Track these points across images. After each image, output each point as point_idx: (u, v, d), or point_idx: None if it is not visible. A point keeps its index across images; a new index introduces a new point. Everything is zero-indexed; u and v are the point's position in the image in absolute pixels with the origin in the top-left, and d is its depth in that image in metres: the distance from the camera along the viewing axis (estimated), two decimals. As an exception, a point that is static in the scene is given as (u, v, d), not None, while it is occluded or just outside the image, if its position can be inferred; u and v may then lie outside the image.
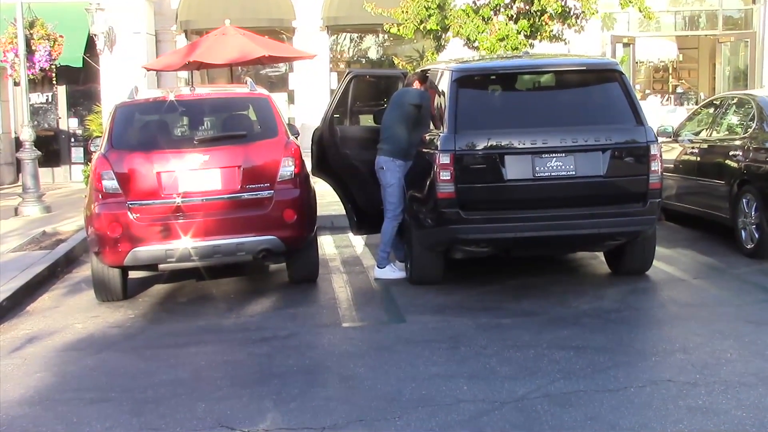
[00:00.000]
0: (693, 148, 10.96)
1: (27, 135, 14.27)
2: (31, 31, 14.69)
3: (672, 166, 11.19)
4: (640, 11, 15.05)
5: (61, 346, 7.19)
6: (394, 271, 8.98)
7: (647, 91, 23.36)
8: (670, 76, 24.76)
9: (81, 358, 6.87)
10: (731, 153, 9.90)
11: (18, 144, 16.07)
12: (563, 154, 7.90)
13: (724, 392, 5.47)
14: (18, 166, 16.67)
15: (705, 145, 10.73)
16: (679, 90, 23.64)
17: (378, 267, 9.08)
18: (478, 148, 7.94)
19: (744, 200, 9.50)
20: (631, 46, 21.17)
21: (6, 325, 7.89)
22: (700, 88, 23.56)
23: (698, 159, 10.76)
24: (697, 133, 11.17)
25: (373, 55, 22.29)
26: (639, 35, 21.67)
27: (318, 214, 9.09)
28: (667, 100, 22.61)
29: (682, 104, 21.68)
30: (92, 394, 5.96)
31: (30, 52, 14.56)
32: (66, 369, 6.61)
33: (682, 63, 24.61)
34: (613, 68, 8.44)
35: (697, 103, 18.39)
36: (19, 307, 8.49)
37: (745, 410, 5.17)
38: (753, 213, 9.34)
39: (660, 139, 10.81)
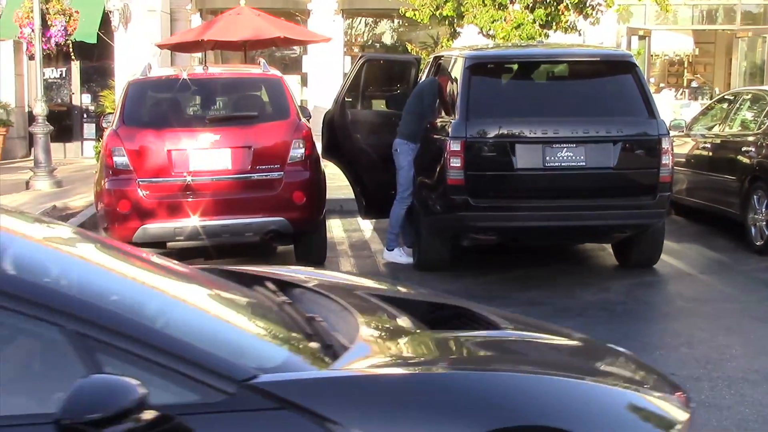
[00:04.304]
0: (705, 142, 10.93)
1: (40, 109, 14.29)
2: (47, 6, 14.71)
3: (683, 160, 11.15)
4: (657, 3, 14.97)
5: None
6: (402, 255, 9.00)
7: (661, 85, 23.26)
8: (686, 70, 24.65)
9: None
10: (743, 149, 9.86)
11: (31, 118, 16.11)
12: (574, 145, 7.89)
13: (727, 388, 5.47)
14: (30, 140, 16.72)
15: (717, 140, 10.70)
16: (693, 84, 23.52)
17: (387, 249, 9.10)
18: (488, 136, 7.93)
19: (755, 197, 9.47)
20: (647, 38, 21.07)
21: (13, 298, 7.92)
22: (715, 83, 23.45)
23: (710, 154, 10.73)
24: (710, 128, 11.13)
25: (387, 40, 22.24)
26: (655, 28, 21.57)
27: (328, 197, 9.09)
28: (682, 94, 22.51)
29: (696, 99, 21.57)
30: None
31: (45, 26, 14.58)
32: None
33: (697, 57, 24.49)
34: (627, 60, 8.41)
35: (711, 98, 18.32)
36: (27, 281, 8.51)
37: (748, 406, 5.17)
38: (763, 210, 9.30)
39: (673, 133, 10.81)
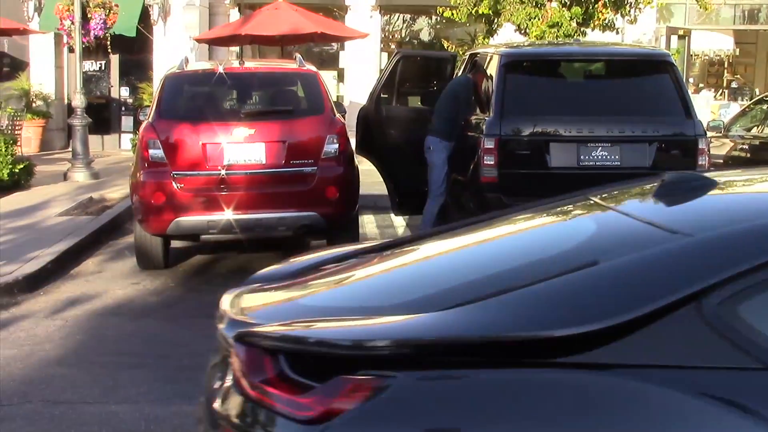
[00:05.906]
0: (743, 143, 10.81)
1: (79, 101, 14.46)
2: (87, -1, 14.85)
3: (721, 161, 11.04)
4: (697, 2, 14.82)
5: (102, 311, 7.32)
6: (434, 254, 8.98)
7: (701, 85, 22.99)
8: (725, 71, 24.33)
9: (120, 323, 6.98)
10: (782, 151, 9.75)
11: (70, 110, 16.30)
12: (609, 144, 7.82)
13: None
14: (69, 132, 16.92)
15: (756, 142, 10.58)
16: (733, 85, 23.21)
17: (418, 248, 9.08)
18: (523, 134, 7.90)
19: (792, 199, 9.34)
20: (687, 38, 20.84)
21: (50, 287, 8.04)
22: (756, 84, 23.12)
23: (748, 155, 10.62)
24: (749, 129, 11.01)
25: (424, 36, 22.21)
26: (695, 27, 21.32)
27: (362, 193, 9.10)
28: (721, 94, 22.24)
29: (736, 100, 21.30)
30: (129, 359, 6.05)
31: (85, 19, 14.73)
32: (105, 333, 6.72)
33: (738, 57, 24.14)
34: (665, 59, 8.33)
35: (751, 99, 18.08)
36: (63, 271, 8.63)
37: None
38: (801, 213, 9.17)
39: (710, 134, 10.71)
